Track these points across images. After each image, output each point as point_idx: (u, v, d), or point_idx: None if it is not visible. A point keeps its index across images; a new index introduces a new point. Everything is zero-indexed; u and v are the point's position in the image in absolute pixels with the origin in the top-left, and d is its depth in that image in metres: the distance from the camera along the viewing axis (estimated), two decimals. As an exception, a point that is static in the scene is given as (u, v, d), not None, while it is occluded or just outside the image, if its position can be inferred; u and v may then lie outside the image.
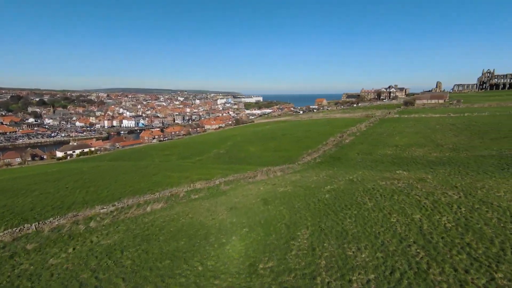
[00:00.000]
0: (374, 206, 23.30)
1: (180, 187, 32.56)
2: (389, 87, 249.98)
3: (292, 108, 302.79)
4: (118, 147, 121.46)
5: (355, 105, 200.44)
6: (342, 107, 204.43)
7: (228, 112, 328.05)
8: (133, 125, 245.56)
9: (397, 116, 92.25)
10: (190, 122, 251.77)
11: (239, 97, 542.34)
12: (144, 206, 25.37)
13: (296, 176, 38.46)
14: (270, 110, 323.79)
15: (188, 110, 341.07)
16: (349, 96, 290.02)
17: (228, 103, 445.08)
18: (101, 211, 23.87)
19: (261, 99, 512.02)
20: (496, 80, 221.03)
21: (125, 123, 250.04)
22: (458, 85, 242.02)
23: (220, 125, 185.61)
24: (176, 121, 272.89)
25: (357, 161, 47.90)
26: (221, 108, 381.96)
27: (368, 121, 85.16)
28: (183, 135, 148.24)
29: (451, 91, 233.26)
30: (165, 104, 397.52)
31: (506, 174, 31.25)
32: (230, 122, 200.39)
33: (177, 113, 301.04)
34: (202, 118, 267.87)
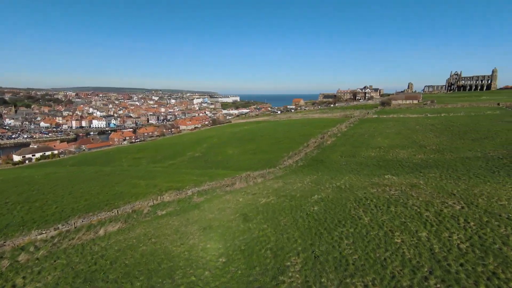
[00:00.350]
0: (372, 221, 20.14)
1: (146, 199, 27.86)
2: (364, 87, 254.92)
3: (269, 108, 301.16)
4: (84, 150, 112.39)
5: (332, 105, 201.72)
6: (319, 107, 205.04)
7: (205, 112, 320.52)
8: (104, 126, 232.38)
9: (376, 116, 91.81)
10: (165, 123, 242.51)
11: (216, 97, 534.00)
12: (96, 228, 20.62)
13: (279, 183, 34.92)
14: (248, 110, 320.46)
15: (163, 110, 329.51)
16: (325, 96, 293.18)
17: (204, 103, 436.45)
18: (38, 237, 18.89)
19: (238, 99, 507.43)
20: (463, 81, 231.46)
21: (95, 123, 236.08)
22: (428, 86, 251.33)
23: (196, 125, 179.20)
24: (150, 121, 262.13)
25: (341, 164, 45.27)
26: (197, 108, 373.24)
27: (348, 122, 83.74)
28: (157, 136, 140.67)
29: (422, 91, 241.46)
30: (138, 104, 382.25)
31: (499, 178, 29.51)
32: (206, 123, 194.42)
33: (151, 113, 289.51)
34: (178, 118, 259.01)
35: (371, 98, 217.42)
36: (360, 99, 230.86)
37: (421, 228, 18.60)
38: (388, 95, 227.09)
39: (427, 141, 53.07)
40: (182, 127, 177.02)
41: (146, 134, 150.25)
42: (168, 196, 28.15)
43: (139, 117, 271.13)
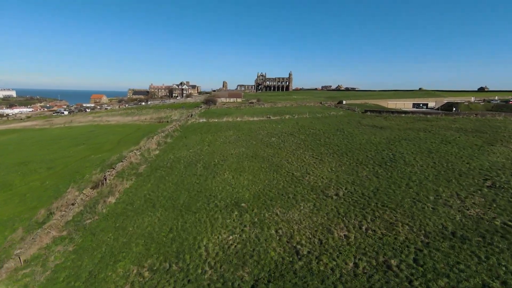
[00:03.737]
0: None
1: None
2: (181, 83, 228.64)
3: (64, 106, 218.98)
4: None
5: (143, 103, 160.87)
6: (127, 105, 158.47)
7: None
8: None
9: (204, 120, 62.39)
10: None
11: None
12: None
13: None
14: (30, 109, 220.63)
15: None
16: (136, 92, 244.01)
17: None
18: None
19: (14, 93, 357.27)
20: (268, 82, 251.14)
21: None
22: (241, 86, 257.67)
23: None
24: None
25: None
26: None
27: (162, 132, 49.15)
28: None
29: (235, 90, 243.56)
30: None
31: None
32: None
33: None
34: None
35: (190, 95, 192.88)
36: (178, 96, 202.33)
37: None
38: (207, 92, 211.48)
39: (315, 174, 27.09)
40: None
41: None
42: None
43: None
